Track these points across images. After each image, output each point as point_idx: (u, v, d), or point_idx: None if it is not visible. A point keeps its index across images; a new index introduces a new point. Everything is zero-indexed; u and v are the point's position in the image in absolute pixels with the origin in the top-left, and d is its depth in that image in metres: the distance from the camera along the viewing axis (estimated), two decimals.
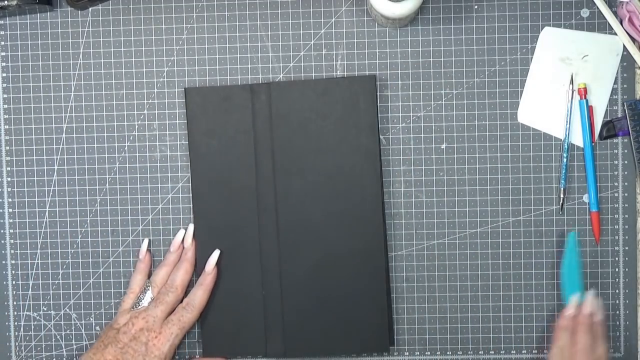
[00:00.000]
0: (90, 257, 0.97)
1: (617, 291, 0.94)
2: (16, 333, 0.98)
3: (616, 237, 0.94)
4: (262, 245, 0.95)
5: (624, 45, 0.93)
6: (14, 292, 0.98)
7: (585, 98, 0.93)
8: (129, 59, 0.96)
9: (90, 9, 0.96)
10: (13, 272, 0.98)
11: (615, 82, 0.93)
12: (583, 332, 0.89)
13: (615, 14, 0.93)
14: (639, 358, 0.95)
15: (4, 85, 0.97)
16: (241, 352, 0.96)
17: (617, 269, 0.94)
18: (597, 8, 0.93)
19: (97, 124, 0.97)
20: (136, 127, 0.96)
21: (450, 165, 0.95)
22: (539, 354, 0.95)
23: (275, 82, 0.94)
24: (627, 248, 0.94)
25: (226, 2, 0.96)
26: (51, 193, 0.97)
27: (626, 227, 0.94)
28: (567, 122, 0.93)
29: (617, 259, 0.94)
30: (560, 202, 0.94)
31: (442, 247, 0.95)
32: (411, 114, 0.95)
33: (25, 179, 0.97)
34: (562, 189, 0.94)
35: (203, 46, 0.96)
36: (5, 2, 0.93)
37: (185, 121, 0.96)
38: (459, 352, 0.95)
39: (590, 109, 0.93)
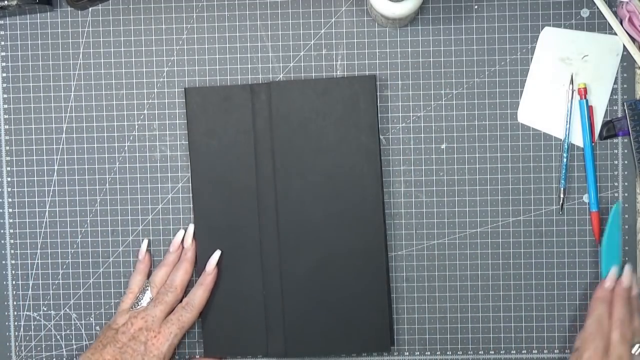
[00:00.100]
0: (90, 257, 0.97)
1: None
2: (16, 333, 0.98)
3: None
4: (262, 245, 0.94)
5: (624, 45, 0.93)
6: (14, 292, 0.98)
7: (585, 98, 0.93)
8: (128, 59, 0.96)
9: (90, 9, 0.96)
10: (13, 272, 0.98)
11: (615, 82, 0.93)
12: (620, 304, 0.88)
13: (615, 14, 0.93)
14: None
15: (4, 85, 0.97)
16: (242, 352, 0.96)
17: None
18: (597, 8, 0.93)
19: (97, 124, 0.97)
20: (136, 127, 0.96)
21: (450, 165, 0.95)
22: (539, 354, 0.95)
23: (275, 82, 0.94)
24: (627, 248, 0.94)
25: (226, 2, 0.96)
26: (51, 193, 0.97)
27: (626, 227, 0.94)
28: (567, 122, 0.93)
29: None
30: (560, 202, 0.94)
31: (442, 247, 0.95)
32: (411, 114, 0.95)
33: (25, 179, 0.97)
34: (562, 189, 0.93)
35: (203, 46, 0.96)
36: (5, 2, 0.93)
37: (185, 121, 0.96)
38: (459, 352, 0.95)
39: (590, 109, 0.93)
